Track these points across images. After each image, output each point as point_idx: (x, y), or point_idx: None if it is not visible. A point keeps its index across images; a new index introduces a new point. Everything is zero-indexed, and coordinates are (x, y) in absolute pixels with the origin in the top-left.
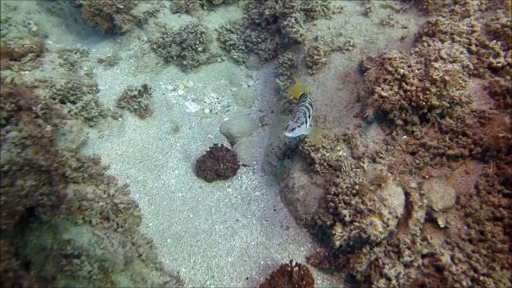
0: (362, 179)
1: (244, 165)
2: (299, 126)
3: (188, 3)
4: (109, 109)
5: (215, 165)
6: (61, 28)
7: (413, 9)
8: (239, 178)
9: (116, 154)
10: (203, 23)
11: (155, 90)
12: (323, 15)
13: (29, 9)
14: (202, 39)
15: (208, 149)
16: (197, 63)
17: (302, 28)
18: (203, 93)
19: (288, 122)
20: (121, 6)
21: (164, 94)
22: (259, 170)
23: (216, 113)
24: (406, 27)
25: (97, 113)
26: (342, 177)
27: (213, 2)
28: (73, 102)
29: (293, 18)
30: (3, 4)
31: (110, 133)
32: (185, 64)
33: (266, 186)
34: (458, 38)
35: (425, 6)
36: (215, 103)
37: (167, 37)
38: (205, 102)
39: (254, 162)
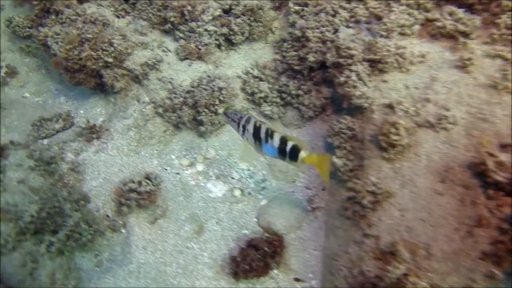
0: None
1: (297, 280)
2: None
3: (200, 47)
4: (107, 215)
5: None
6: (40, 73)
7: None
8: None
9: None
10: (222, 70)
11: (166, 169)
12: (397, 66)
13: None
14: (223, 97)
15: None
16: (219, 124)
17: (368, 88)
18: (229, 165)
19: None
20: (110, 60)
21: (178, 173)
22: None
23: (249, 193)
24: None
25: (90, 236)
26: None
27: (233, 41)
28: (54, 232)
29: (353, 74)
30: None
31: (111, 257)
32: (202, 130)
33: None
34: None
35: None
36: (246, 177)
37: (175, 97)
38: (233, 179)
39: (311, 275)
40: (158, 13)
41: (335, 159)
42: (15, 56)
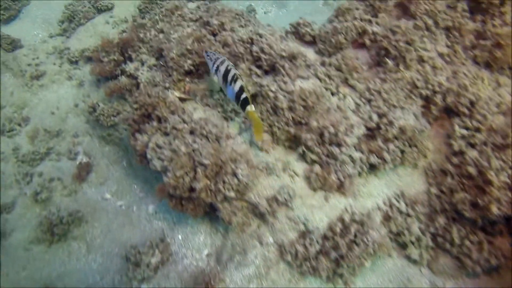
0: None
1: None
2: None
3: (342, 178)
4: None
5: None
6: (121, 166)
7: None
8: None
9: None
10: (361, 201)
11: None
12: None
13: (76, 129)
14: (371, 251)
15: None
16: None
17: None
18: None
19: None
20: (232, 194)
21: None
22: None
23: None
24: None
25: None
26: None
27: (376, 165)
28: None
29: None
30: (42, 131)
31: None
32: (339, 273)
33: None
34: None
35: None
36: None
37: (310, 243)
38: None
39: None
40: (287, 127)
41: None
42: (94, 143)
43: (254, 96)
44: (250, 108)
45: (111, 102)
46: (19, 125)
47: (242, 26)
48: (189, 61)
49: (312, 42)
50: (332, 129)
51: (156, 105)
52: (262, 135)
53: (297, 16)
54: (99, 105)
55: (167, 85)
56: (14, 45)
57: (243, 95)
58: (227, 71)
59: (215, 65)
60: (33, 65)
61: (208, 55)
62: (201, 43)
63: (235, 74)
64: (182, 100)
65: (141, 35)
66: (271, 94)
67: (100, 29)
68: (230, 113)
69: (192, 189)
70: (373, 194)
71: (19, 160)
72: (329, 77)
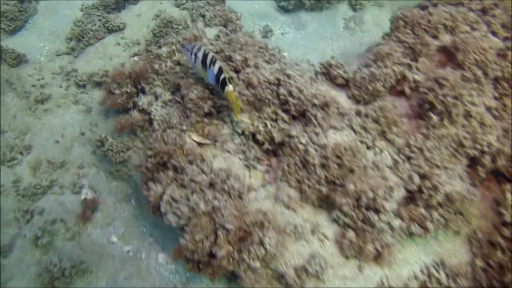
0: None
1: None
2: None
3: (379, 248)
4: None
5: None
6: (129, 205)
7: None
8: None
9: None
10: (397, 271)
11: None
12: None
13: (81, 160)
14: None
15: None
16: None
17: None
18: None
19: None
20: (257, 265)
21: None
22: None
23: None
24: None
25: None
26: None
27: (412, 231)
28: None
29: None
30: (45, 162)
31: None
32: None
33: None
34: None
35: None
36: None
37: None
38: None
39: None
40: (318, 186)
41: None
42: (100, 177)
43: (280, 145)
44: (228, 88)
45: (121, 137)
46: (21, 153)
47: (266, 62)
48: (210, 102)
49: (344, 85)
50: (370, 194)
51: (172, 153)
52: (239, 114)
53: (316, 40)
54: (107, 139)
55: (184, 127)
56: (19, 60)
57: (222, 76)
58: (205, 56)
59: (193, 54)
60: (38, 86)
61: (184, 48)
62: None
63: (213, 56)
64: (199, 144)
65: (156, 66)
66: (301, 147)
67: (110, 50)
68: (253, 160)
69: (212, 255)
70: (410, 261)
71: (19, 194)
72: (365, 129)
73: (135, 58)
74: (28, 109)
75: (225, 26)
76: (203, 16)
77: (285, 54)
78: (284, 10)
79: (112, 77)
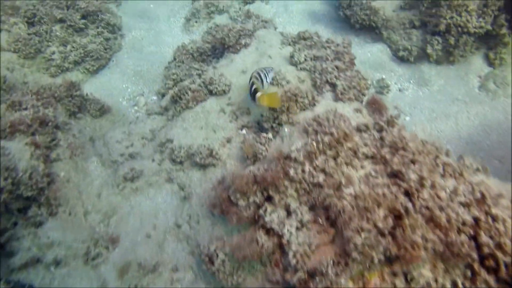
0: None
1: None
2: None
3: None
4: None
5: None
6: None
7: None
8: None
9: None
10: None
11: None
12: None
13: (175, 260)
14: None
15: None
16: None
17: None
18: None
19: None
20: None
21: None
22: None
23: None
24: None
25: None
26: None
27: None
28: None
29: None
30: (135, 264)
31: None
32: None
33: None
34: None
35: None
36: None
37: None
38: None
39: None
40: None
41: None
42: (198, 285)
43: None
44: (259, 94)
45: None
46: (107, 248)
47: (443, 176)
48: (381, 248)
49: None
50: None
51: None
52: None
53: (444, 101)
54: (217, 255)
55: (341, 280)
56: (102, 111)
57: (252, 88)
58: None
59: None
60: (126, 155)
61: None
62: (397, 218)
63: (251, 80)
64: None
65: (291, 172)
66: None
67: (213, 120)
68: None
69: None
70: None
71: None
72: None
73: (244, 131)
74: (116, 186)
75: (361, 102)
76: (333, 85)
77: (407, 118)
78: (402, 60)
79: (234, 187)
